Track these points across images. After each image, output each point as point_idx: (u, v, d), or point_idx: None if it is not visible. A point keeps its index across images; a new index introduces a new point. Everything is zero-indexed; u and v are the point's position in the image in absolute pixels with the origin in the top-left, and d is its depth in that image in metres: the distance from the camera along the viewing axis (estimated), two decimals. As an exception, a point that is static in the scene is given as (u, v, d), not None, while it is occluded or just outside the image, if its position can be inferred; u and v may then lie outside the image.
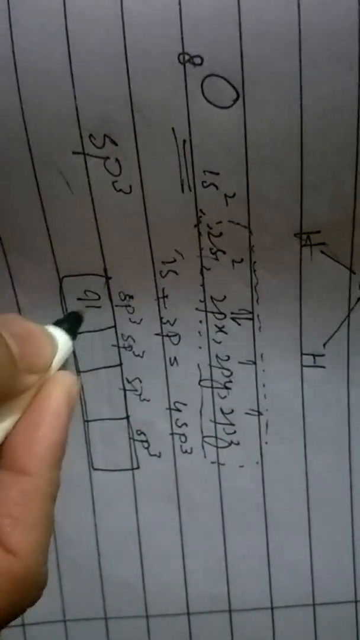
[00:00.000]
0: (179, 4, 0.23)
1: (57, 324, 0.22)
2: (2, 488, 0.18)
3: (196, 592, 0.33)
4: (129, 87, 0.24)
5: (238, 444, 0.31)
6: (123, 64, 0.24)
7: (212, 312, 0.29)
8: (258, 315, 0.28)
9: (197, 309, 0.28)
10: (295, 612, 0.33)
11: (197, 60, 0.24)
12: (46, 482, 0.19)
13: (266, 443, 0.31)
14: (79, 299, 0.28)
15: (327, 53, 0.23)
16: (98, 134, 0.25)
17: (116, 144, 0.25)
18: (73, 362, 0.29)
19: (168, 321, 0.29)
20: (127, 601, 0.33)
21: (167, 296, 0.28)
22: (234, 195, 0.26)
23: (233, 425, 0.30)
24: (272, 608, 0.33)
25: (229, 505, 0.32)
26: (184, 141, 0.25)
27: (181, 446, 0.31)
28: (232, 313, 0.28)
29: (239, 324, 0.29)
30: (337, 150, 0.25)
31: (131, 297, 0.28)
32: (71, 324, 0.23)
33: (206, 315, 0.29)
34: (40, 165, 0.26)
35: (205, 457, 0.31)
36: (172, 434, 0.31)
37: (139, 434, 0.31)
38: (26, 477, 0.18)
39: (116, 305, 0.29)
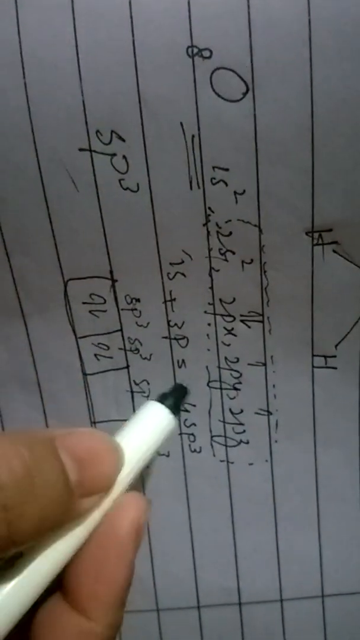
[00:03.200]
0: (187, -5, 0.21)
1: (161, 399, 0.20)
2: (62, 626, 0.17)
3: (206, 586, 0.32)
4: (137, 81, 0.22)
5: (247, 442, 0.29)
6: (131, 57, 0.22)
7: (221, 315, 0.27)
8: (268, 318, 0.26)
9: (205, 311, 0.26)
10: (304, 604, 0.32)
11: (206, 53, 0.22)
12: (107, 628, 0.17)
13: (276, 441, 0.29)
14: (84, 302, 0.26)
15: (337, 46, 0.21)
16: (105, 130, 0.23)
17: (123, 140, 0.23)
18: (80, 366, 0.28)
19: (176, 324, 0.27)
20: (138, 595, 0.32)
21: (174, 299, 0.26)
22: (244, 192, 0.24)
23: (242, 424, 0.29)
24: (281, 600, 0.32)
25: (238, 502, 0.30)
26: (193, 136, 0.23)
27: (190, 445, 0.29)
28: (241, 315, 0.26)
29: (249, 327, 0.27)
30: (349, 145, 0.23)
31: (138, 300, 0.26)
32: (176, 398, 0.20)
33: (215, 318, 0.27)
34: (46, 162, 0.23)
35: (214, 455, 0.30)
36: (180, 433, 0.29)
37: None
38: (87, 621, 0.17)
39: (122, 309, 0.27)
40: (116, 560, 0.17)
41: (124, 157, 0.23)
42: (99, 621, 0.17)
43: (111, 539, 0.17)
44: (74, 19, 0.21)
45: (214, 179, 0.24)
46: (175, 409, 0.20)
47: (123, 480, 0.18)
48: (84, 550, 0.17)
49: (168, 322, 0.27)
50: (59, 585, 0.18)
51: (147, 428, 0.19)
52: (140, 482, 0.30)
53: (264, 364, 0.27)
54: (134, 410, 0.29)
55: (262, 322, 0.26)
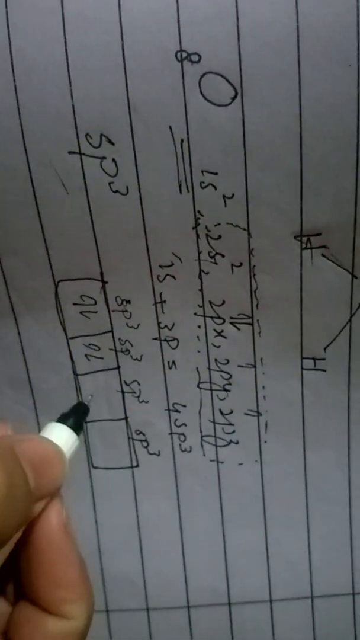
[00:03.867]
0: (176, 1, 0.21)
1: (62, 419, 0.20)
2: (43, 633, 0.17)
3: (196, 586, 0.32)
4: (126, 85, 0.22)
5: (237, 442, 0.29)
6: (120, 62, 0.22)
7: (211, 317, 0.27)
8: (258, 320, 0.26)
9: (195, 313, 0.26)
10: (293, 605, 0.32)
11: (195, 58, 0.22)
12: (85, 619, 0.18)
13: (265, 442, 0.29)
14: (74, 304, 0.26)
15: (325, 51, 0.21)
16: (95, 133, 0.23)
17: (113, 144, 0.23)
18: (71, 367, 0.28)
19: (166, 326, 0.27)
20: (128, 595, 0.32)
21: (164, 301, 0.26)
22: (233, 196, 0.24)
23: (232, 425, 0.29)
24: (270, 601, 0.32)
25: (228, 501, 0.30)
26: (182, 140, 0.23)
27: (180, 445, 0.30)
28: (231, 318, 0.26)
29: (239, 329, 0.27)
30: (337, 150, 0.23)
31: (128, 302, 0.26)
32: (78, 417, 0.21)
33: (205, 320, 0.27)
34: (36, 165, 0.23)
35: (204, 455, 0.30)
36: (171, 433, 0.29)
37: (138, 434, 0.29)
38: (65, 621, 0.17)
39: (113, 310, 0.27)
40: (60, 556, 0.18)
41: (114, 160, 0.23)
42: (76, 618, 0.17)
43: (47, 539, 0.18)
44: (63, 23, 0.21)
45: (203, 182, 0.24)
46: (78, 428, 0.21)
47: None
48: (29, 557, 0.18)
49: (158, 323, 0.27)
50: (21, 596, 0.18)
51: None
52: (132, 481, 0.30)
53: (254, 366, 0.27)
54: (124, 410, 0.29)
55: (252, 324, 0.26)
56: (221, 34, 0.21)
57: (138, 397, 0.28)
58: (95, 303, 0.26)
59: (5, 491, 0.15)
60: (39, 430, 0.21)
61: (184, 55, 0.22)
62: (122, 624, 0.32)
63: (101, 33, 0.22)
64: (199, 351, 0.27)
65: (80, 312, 0.27)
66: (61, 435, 0.20)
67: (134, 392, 0.28)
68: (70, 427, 0.20)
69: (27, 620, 0.17)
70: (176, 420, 0.29)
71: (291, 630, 0.32)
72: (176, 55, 0.22)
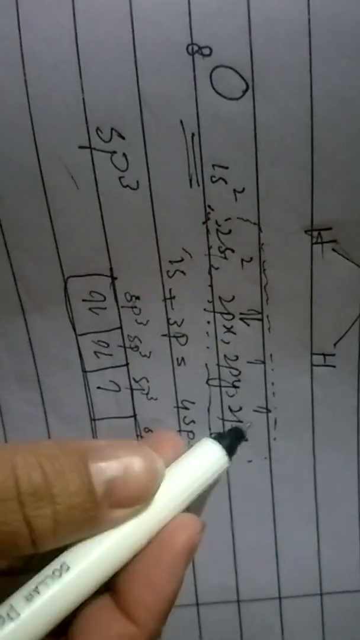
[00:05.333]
0: (187, -6, 0.21)
1: (218, 438, 0.20)
2: (106, 625, 0.17)
3: (205, 583, 0.31)
4: (137, 79, 0.22)
5: (246, 440, 0.29)
6: (131, 55, 0.21)
7: (221, 313, 0.26)
8: (267, 316, 0.26)
9: (205, 309, 0.26)
10: (302, 602, 0.31)
11: (206, 51, 0.21)
12: (148, 636, 0.17)
13: (274, 439, 0.29)
14: (84, 300, 0.26)
15: (336, 45, 0.21)
16: (105, 128, 0.23)
17: (123, 138, 0.23)
18: (79, 364, 0.28)
19: (175, 322, 0.27)
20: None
21: (174, 297, 0.26)
22: (244, 190, 0.24)
23: (241, 422, 0.29)
24: (279, 598, 0.32)
25: (237, 499, 0.30)
26: (193, 134, 0.23)
27: (189, 442, 0.29)
28: (240, 314, 0.26)
29: (248, 325, 0.26)
30: (348, 144, 0.23)
31: (137, 298, 0.26)
32: (232, 441, 0.20)
33: (214, 316, 0.26)
34: (46, 159, 0.23)
35: (213, 453, 0.29)
36: (180, 430, 0.29)
37: (146, 432, 0.29)
38: (131, 625, 0.17)
39: (122, 307, 0.26)
40: (168, 574, 0.18)
41: (124, 154, 0.23)
42: (142, 628, 0.17)
43: (166, 554, 0.18)
44: (74, 16, 0.21)
45: (214, 177, 0.23)
46: (231, 450, 0.20)
47: (172, 505, 0.18)
48: (139, 560, 0.18)
49: (168, 319, 0.26)
50: (109, 586, 0.18)
51: (200, 464, 0.19)
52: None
53: (263, 362, 0.27)
54: (133, 407, 0.28)
55: (262, 320, 0.26)
56: (232, 28, 0.21)
57: (147, 394, 0.28)
58: (105, 299, 0.26)
59: (40, 483, 0.16)
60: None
61: (195, 48, 0.21)
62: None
63: (112, 27, 0.21)
64: (208, 347, 0.27)
65: (90, 309, 0.26)
66: (211, 453, 0.19)
67: (143, 389, 0.28)
68: (224, 447, 0.20)
69: (97, 613, 0.18)
70: (185, 417, 0.29)
71: (300, 627, 0.32)
72: (187, 49, 0.21)
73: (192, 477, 0.19)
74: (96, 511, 0.17)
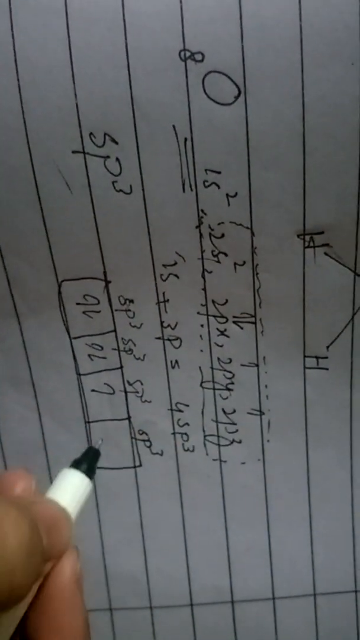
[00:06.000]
0: (180, 0, 0.21)
1: (76, 464, 0.21)
2: None
3: (199, 584, 0.31)
4: (130, 84, 0.22)
5: (240, 442, 0.29)
6: (124, 61, 0.21)
7: (214, 316, 0.26)
8: (261, 319, 0.26)
9: (198, 312, 0.26)
10: (296, 603, 0.32)
11: (199, 57, 0.21)
12: None
13: (268, 441, 0.29)
14: (77, 303, 0.26)
15: (328, 50, 0.21)
16: (98, 133, 0.23)
17: (116, 143, 0.23)
18: (74, 367, 0.28)
19: (169, 325, 0.27)
20: (132, 593, 0.32)
21: (167, 300, 0.26)
22: (236, 194, 0.24)
23: (235, 424, 0.29)
24: (273, 599, 0.32)
25: (231, 500, 0.30)
26: (185, 139, 0.23)
27: (183, 444, 0.29)
28: (234, 317, 0.26)
29: (241, 328, 0.26)
30: (340, 148, 0.23)
31: (131, 301, 0.26)
32: (90, 462, 0.21)
33: (208, 319, 0.26)
34: (39, 164, 0.23)
35: (207, 454, 0.29)
36: (173, 433, 0.29)
37: (140, 434, 0.29)
38: None
39: (116, 310, 0.26)
40: (69, 608, 0.18)
41: (117, 159, 0.23)
42: None
43: (59, 591, 0.18)
44: (67, 22, 0.21)
45: (207, 181, 0.24)
46: (90, 473, 0.21)
47: None
48: (37, 607, 0.18)
49: (161, 323, 0.27)
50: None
51: (67, 495, 0.20)
52: (135, 481, 0.30)
53: (257, 365, 0.27)
54: (127, 410, 0.28)
55: (255, 323, 0.26)
56: (225, 33, 0.21)
57: (141, 396, 0.28)
58: (99, 302, 0.26)
59: (30, 548, 0.16)
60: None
61: (188, 54, 0.21)
62: (126, 622, 0.32)
63: (105, 32, 0.21)
64: (201, 350, 0.27)
65: (84, 312, 0.26)
66: (74, 482, 0.21)
67: (137, 392, 0.28)
68: (84, 472, 0.21)
69: None
70: (179, 419, 0.29)
71: (294, 627, 0.32)
72: (180, 55, 0.21)
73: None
74: (43, 565, 0.17)
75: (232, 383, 0.28)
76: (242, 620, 0.32)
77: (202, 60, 0.21)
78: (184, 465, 0.29)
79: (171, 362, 0.27)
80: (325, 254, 0.25)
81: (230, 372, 0.27)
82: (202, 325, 0.27)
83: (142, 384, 0.28)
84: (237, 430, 0.29)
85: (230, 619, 0.32)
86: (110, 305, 0.26)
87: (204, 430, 0.29)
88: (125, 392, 0.28)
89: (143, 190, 0.24)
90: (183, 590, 0.31)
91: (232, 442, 0.29)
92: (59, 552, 0.18)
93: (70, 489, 0.20)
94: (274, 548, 0.31)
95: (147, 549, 0.31)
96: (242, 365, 0.27)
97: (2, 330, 0.27)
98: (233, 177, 0.23)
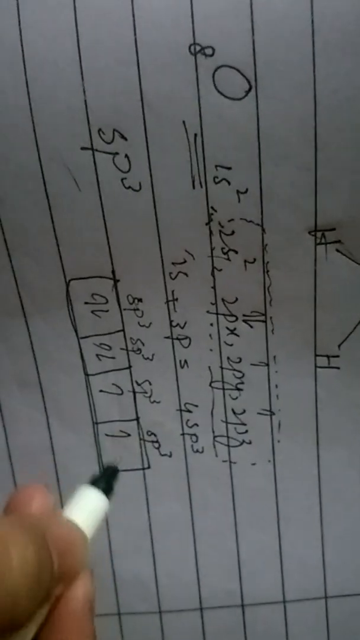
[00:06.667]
0: (189, -6, 0.21)
1: (95, 482, 0.20)
2: None
3: (209, 588, 0.31)
4: (139, 79, 0.21)
5: (250, 442, 0.29)
6: (133, 56, 0.21)
7: (224, 315, 0.26)
8: (271, 318, 0.26)
9: (208, 311, 0.26)
10: (307, 606, 0.31)
11: (209, 51, 0.21)
12: None
13: (278, 441, 0.28)
14: (85, 302, 0.26)
15: (340, 44, 0.21)
16: (107, 129, 0.22)
17: (126, 139, 0.23)
18: (81, 367, 0.27)
19: (178, 324, 0.26)
20: (140, 597, 0.31)
21: (177, 299, 0.26)
22: (247, 191, 0.23)
23: (245, 425, 0.28)
24: (284, 602, 0.31)
25: (241, 502, 0.30)
26: (195, 135, 0.22)
27: (192, 446, 0.29)
28: (244, 315, 0.26)
29: (251, 327, 0.26)
30: (352, 144, 0.22)
31: (140, 300, 0.26)
32: (108, 480, 0.21)
33: (217, 318, 0.26)
34: (47, 161, 0.23)
35: (216, 456, 0.29)
36: (182, 434, 0.29)
37: (149, 435, 0.29)
38: None
39: (124, 309, 0.26)
40: (79, 632, 0.18)
41: (126, 156, 0.23)
42: None
43: (70, 615, 0.18)
44: (75, 17, 0.21)
45: (217, 177, 0.23)
46: (109, 491, 0.21)
47: None
48: (47, 629, 0.18)
49: (170, 322, 0.26)
50: None
51: (84, 514, 0.20)
52: (143, 483, 0.30)
53: (267, 364, 0.27)
54: (135, 410, 0.28)
55: (265, 321, 0.26)
56: (235, 27, 0.21)
57: (149, 397, 0.28)
58: (107, 302, 0.26)
59: (35, 572, 0.15)
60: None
61: (198, 48, 0.21)
62: (135, 627, 0.31)
63: (114, 27, 0.21)
64: (211, 350, 0.27)
65: (92, 311, 0.26)
66: (92, 501, 0.20)
67: (146, 392, 0.28)
68: (102, 490, 0.21)
69: None
70: (188, 420, 0.28)
71: (305, 631, 0.31)
72: (189, 49, 0.21)
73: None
74: (53, 588, 0.17)
75: (242, 383, 0.27)
76: (253, 623, 0.31)
77: (212, 55, 0.21)
78: (193, 466, 0.29)
79: (180, 361, 0.27)
80: (337, 250, 0.24)
81: (240, 371, 0.27)
82: (211, 324, 0.26)
83: (150, 384, 0.27)
84: (247, 431, 0.28)
85: (241, 623, 0.31)
86: (119, 305, 0.26)
87: (213, 431, 0.28)
88: (134, 392, 0.28)
89: (152, 187, 0.23)
90: (192, 594, 0.31)
91: (242, 443, 0.29)
92: (71, 574, 0.18)
93: (87, 508, 0.20)
94: (285, 550, 0.30)
95: (156, 552, 0.30)
96: (252, 364, 0.27)
97: (9, 329, 0.26)
98: (243, 173, 0.23)
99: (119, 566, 0.31)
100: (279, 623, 0.31)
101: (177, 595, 0.31)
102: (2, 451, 0.29)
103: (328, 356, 0.26)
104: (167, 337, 0.26)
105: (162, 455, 0.29)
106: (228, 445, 0.29)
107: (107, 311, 0.26)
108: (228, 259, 0.25)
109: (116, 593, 0.31)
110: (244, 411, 0.28)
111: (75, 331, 0.26)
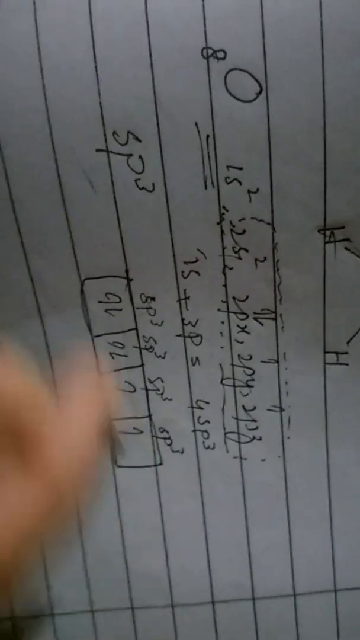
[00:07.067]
0: (202, -2, 0.21)
1: None
2: None
3: (220, 582, 0.31)
4: (153, 82, 0.22)
5: (260, 439, 0.29)
6: (147, 59, 0.22)
7: (235, 313, 0.26)
8: (281, 315, 0.26)
9: (219, 309, 0.26)
10: (317, 599, 0.31)
11: (220, 55, 0.22)
12: None
13: (288, 438, 0.29)
14: (99, 301, 0.26)
15: (349, 45, 0.21)
16: (122, 131, 0.23)
17: (140, 141, 0.23)
18: (95, 365, 0.28)
19: (190, 322, 0.27)
20: (153, 591, 0.32)
21: (188, 297, 0.26)
22: (258, 190, 0.24)
23: (255, 421, 0.29)
24: (294, 595, 0.32)
25: (252, 498, 0.30)
26: (207, 136, 0.23)
27: (204, 442, 0.29)
28: (254, 313, 0.26)
29: (262, 324, 0.26)
30: (360, 143, 0.23)
31: (152, 299, 0.26)
32: None
33: (228, 315, 0.26)
34: (63, 163, 0.23)
35: (227, 452, 0.29)
36: (194, 430, 0.29)
37: (161, 432, 0.29)
38: None
39: (137, 308, 0.26)
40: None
41: (140, 157, 0.23)
42: None
43: None
44: (91, 20, 0.21)
45: (228, 178, 0.24)
46: None
47: None
48: None
49: (182, 320, 0.27)
50: None
51: None
52: (156, 479, 0.30)
53: (277, 361, 0.27)
54: (148, 408, 0.28)
55: (275, 319, 0.26)
56: (246, 31, 0.21)
57: (162, 394, 0.28)
58: (120, 301, 0.26)
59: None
60: None
61: (210, 52, 0.22)
62: (148, 621, 0.32)
63: (128, 31, 0.21)
64: (222, 347, 0.27)
65: (105, 310, 0.26)
66: None
67: (158, 390, 0.28)
68: None
69: None
70: (199, 417, 0.29)
71: (315, 623, 0.32)
72: (202, 52, 0.22)
73: None
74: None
75: (253, 380, 0.28)
76: (263, 616, 0.32)
77: (224, 58, 0.22)
78: (205, 463, 0.29)
79: (192, 359, 0.27)
80: (346, 248, 0.25)
81: (250, 368, 0.27)
82: (222, 322, 0.27)
83: (162, 381, 0.28)
84: (257, 427, 0.29)
85: (252, 616, 0.32)
86: (132, 303, 0.26)
87: (224, 428, 0.29)
88: (147, 390, 0.28)
89: (165, 187, 0.24)
90: (204, 587, 0.31)
91: (252, 439, 0.29)
92: None
93: None
94: (295, 544, 0.31)
95: (168, 547, 0.31)
96: (262, 361, 0.27)
97: (25, 328, 0.27)
98: (255, 173, 0.23)
99: (132, 561, 0.31)
100: (290, 616, 0.32)
101: (189, 589, 0.31)
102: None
103: (337, 353, 0.27)
104: (179, 335, 0.27)
105: (174, 451, 0.29)
106: (239, 442, 0.29)
107: (120, 310, 0.26)
108: (239, 258, 0.25)
109: (129, 587, 0.31)
110: (255, 408, 0.28)
111: (90, 330, 0.27)
